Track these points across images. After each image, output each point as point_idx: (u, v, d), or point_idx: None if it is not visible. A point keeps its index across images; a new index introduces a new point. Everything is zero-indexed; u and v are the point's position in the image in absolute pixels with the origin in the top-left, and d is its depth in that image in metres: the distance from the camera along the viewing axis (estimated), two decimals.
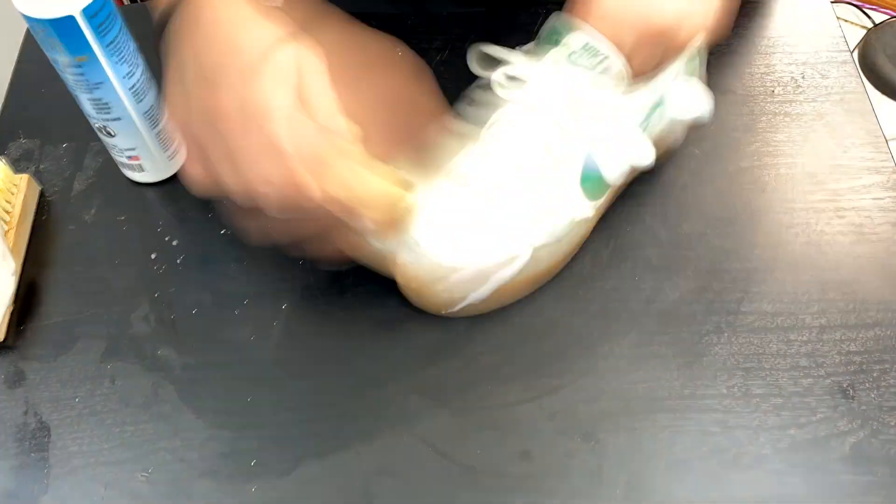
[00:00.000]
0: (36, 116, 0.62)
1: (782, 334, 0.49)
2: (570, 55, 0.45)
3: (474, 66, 0.47)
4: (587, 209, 0.49)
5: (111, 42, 0.47)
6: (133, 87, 0.50)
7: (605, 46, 0.44)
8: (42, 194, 0.58)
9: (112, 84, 0.49)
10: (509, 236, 0.46)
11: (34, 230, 0.56)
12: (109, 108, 0.51)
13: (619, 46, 0.44)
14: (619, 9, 0.44)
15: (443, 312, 0.49)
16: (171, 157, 0.56)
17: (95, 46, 0.47)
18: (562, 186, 0.47)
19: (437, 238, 0.45)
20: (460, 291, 0.47)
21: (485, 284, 0.47)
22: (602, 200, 0.50)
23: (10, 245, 0.53)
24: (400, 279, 0.47)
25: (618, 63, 0.44)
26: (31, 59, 0.66)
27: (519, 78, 0.46)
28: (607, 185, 0.49)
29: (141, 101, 0.51)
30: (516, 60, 0.46)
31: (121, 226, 0.56)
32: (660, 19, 0.44)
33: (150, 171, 0.56)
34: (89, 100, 0.50)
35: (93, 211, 0.57)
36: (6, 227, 0.53)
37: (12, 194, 0.55)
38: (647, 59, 0.45)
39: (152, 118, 0.53)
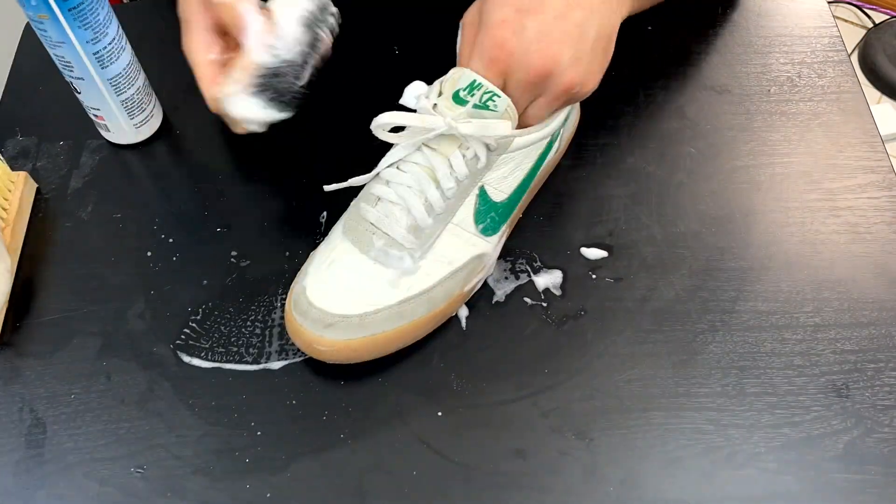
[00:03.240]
0: (33, 114, 0.62)
1: (777, 333, 0.49)
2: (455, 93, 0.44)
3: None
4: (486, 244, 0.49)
5: (74, 7, 0.49)
6: (97, 53, 0.52)
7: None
8: (38, 192, 0.58)
9: (73, 46, 0.51)
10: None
11: (30, 227, 0.56)
12: (72, 67, 0.53)
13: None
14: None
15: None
16: (137, 126, 0.58)
17: (56, 8, 0.49)
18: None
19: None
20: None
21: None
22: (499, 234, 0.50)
23: (7, 242, 0.53)
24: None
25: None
26: (29, 56, 0.66)
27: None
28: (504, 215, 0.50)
29: (106, 67, 0.53)
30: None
31: (117, 223, 0.56)
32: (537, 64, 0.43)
33: (114, 133, 0.58)
34: (54, 55, 0.52)
35: (89, 208, 0.57)
36: (2, 225, 0.53)
37: (9, 191, 0.55)
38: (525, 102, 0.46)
39: (118, 85, 0.55)
